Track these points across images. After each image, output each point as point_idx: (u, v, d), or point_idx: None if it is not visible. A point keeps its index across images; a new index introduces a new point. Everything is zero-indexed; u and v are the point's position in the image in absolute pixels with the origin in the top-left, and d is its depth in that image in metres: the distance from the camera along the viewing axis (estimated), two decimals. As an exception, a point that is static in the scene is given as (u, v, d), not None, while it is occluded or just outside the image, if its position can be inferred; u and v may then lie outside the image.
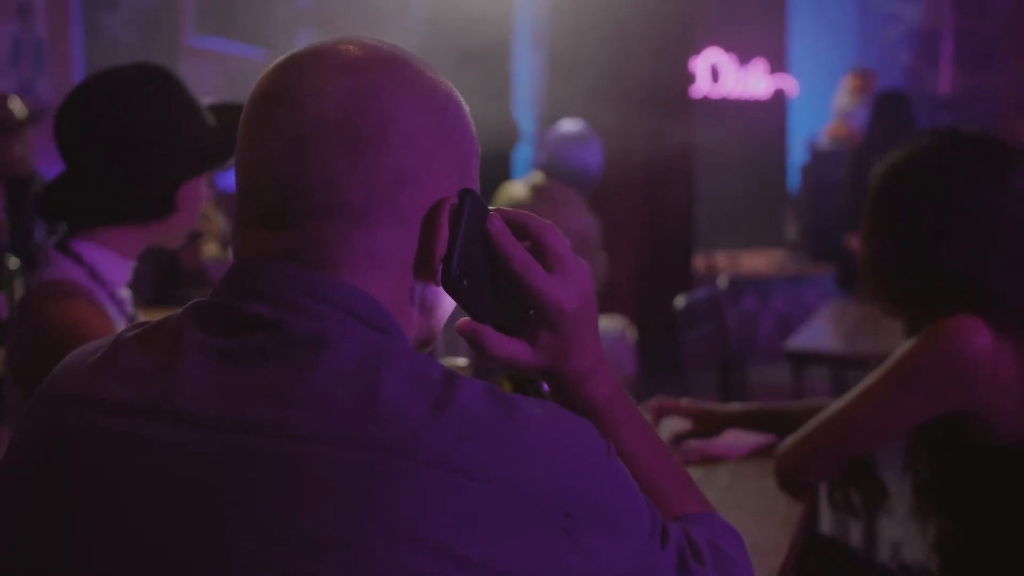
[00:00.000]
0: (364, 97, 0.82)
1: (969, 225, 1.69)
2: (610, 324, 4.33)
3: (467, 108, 0.90)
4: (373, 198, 0.82)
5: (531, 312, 0.89)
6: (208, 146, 1.67)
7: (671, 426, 1.99)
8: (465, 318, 0.89)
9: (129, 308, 1.69)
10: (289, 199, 0.82)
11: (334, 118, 0.81)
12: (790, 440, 1.77)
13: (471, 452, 0.75)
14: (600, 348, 0.93)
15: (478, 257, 0.87)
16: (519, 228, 0.89)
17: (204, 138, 1.66)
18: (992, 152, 1.74)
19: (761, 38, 8.09)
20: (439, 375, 0.78)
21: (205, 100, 1.74)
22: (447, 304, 0.91)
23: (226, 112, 1.73)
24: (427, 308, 0.88)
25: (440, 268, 0.84)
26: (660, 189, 6.23)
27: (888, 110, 5.64)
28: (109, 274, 1.65)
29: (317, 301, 0.81)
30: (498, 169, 5.83)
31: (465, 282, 0.85)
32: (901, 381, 1.68)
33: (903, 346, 1.71)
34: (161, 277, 4.10)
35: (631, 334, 4.49)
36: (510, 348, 0.89)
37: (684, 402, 2.01)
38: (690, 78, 6.81)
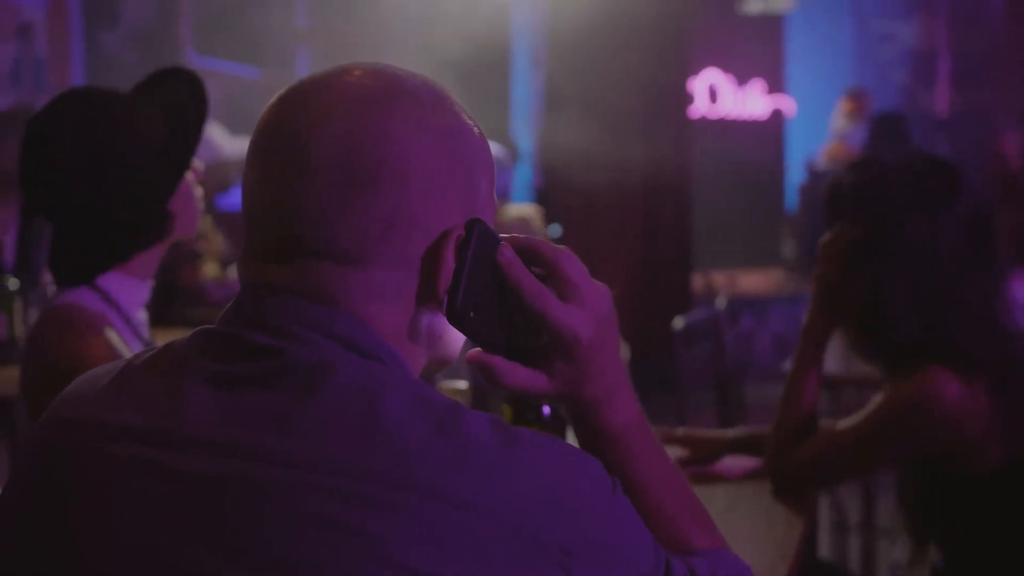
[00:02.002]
0: (356, 140, 0.81)
1: (914, 286, 1.71)
2: None
3: (476, 128, 0.87)
4: (368, 242, 0.81)
5: (545, 339, 0.87)
6: (172, 144, 1.60)
7: (669, 453, 1.99)
8: (475, 349, 0.87)
9: (145, 332, 1.66)
10: (286, 239, 0.82)
11: (327, 161, 0.81)
12: (784, 458, 1.78)
13: (470, 485, 0.74)
14: (621, 373, 0.91)
15: (488, 286, 0.85)
16: (532, 255, 0.87)
17: (165, 139, 1.59)
18: (923, 190, 1.74)
19: (759, 59, 8.12)
20: (441, 405, 0.78)
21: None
22: (457, 333, 0.88)
23: (159, 91, 1.64)
24: (434, 337, 0.87)
25: (445, 300, 0.83)
26: (658, 209, 6.24)
27: (885, 131, 5.67)
28: (125, 298, 1.61)
29: (318, 334, 0.81)
30: (496, 188, 5.84)
31: (472, 314, 0.83)
32: (878, 432, 1.73)
33: (878, 397, 1.75)
34: (158, 297, 4.08)
35: (625, 352, 4.48)
36: (523, 377, 0.87)
37: (680, 432, 2.01)
38: (688, 99, 6.83)
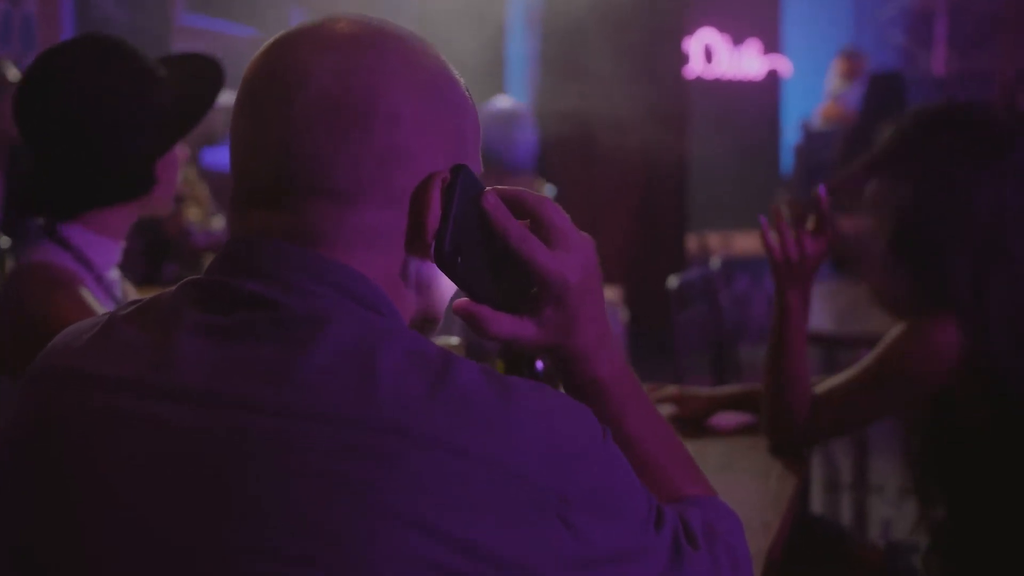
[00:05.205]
0: (349, 76, 0.81)
1: (971, 238, 1.69)
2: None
3: (463, 83, 0.88)
4: (361, 178, 0.81)
5: (533, 289, 0.87)
6: (177, 110, 1.63)
7: (661, 411, 1.99)
8: (463, 298, 0.87)
9: (118, 291, 1.67)
10: (278, 179, 0.82)
11: (319, 98, 0.81)
12: (790, 426, 1.78)
13: (466, 434, 0.74)
14: (606, 323, 0.91)
15: (474, 235, 0.85)
16: (515, 204, 0.87)
17: (171, 103, 1.62)
18: (990, 142, 1.73)
19: (755, 19, 8.07)
20: (436, 356, 0.78)
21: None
22: (445, 282, 0.89)
23: (180, 65, 1.68)
24: (423, 286, 0.87)
25: (433, 244, 0.83)
26: (653, 170, 6.23)
27: (881, 91, 5.65)
28: (97, 257, 1.62)
29: (311, 280, 0.80)
30: (491, 149, 5.82)
31: (459, 259, 0.83)
32: (884, 372, 1.73)
33: (886, 338, 1.74)
34: (149, 253, 4.09)
35: (624, 315, 4.48)
36: (511, 326, 0.87)
37: (671, 389, 2.02)
38: (684, 59, 6.79)
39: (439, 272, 0.86)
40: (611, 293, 4.51)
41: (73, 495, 0.79)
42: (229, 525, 0.74)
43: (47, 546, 0.80)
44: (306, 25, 0.86)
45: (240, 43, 6.27)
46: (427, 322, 0.91)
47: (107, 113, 1.57)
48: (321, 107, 0.81)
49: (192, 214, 4.26)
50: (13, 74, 3.91)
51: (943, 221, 1.70)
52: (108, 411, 0.80)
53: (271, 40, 0.86)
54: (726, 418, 1.96)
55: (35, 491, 0.81)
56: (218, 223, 4.41)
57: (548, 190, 3.99)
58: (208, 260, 4.52)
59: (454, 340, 1.62)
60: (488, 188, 0.87)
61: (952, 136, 1.73)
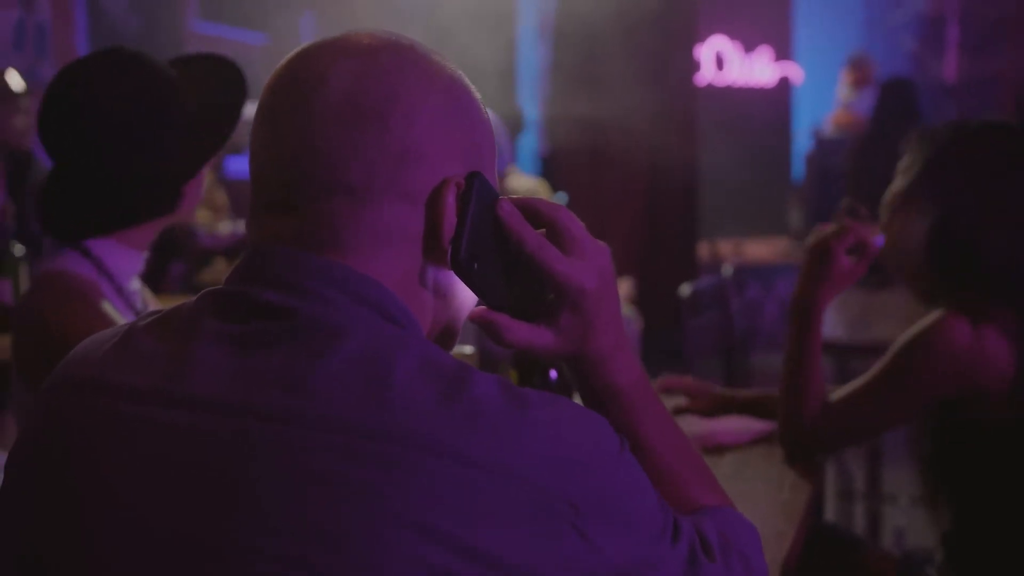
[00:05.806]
0: (366, 78, 0.82)
1: (1009, 216, 1.70)
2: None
3: (479, 96, 0.89)
4: (376, 175, 0.81)
5: (549, 297, 0.87)
6: (204, 130, 1.60)
7: (671, 402, 1.98)
8: (479, 307, 0.87)
9: (138, 301, 1.66)
10: (294, 182, 0.82)
11: (337, 100, 0.82)
12: (806, 434, 1.77)
13: (472, 440, 0.74)
14: (622, 329, 0.91)
15: (489, 242, 0.85)
16: (530, 213, 0.87)
17: (198, 124, 1.59)
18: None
19: (766, 25, 8.07)
20: (450, 367, 0.78)
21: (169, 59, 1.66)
22: (465, 292, 0.89)
23: (200, 71, 1.65)
24: (441, 293, 0.87)
25: (449, 250, 0.83)
26: (664, 177, 6.22)
27: (893, 97, 5.62)
28: (118, 268, 1.61)
29: (326, 287, 0.80)
30: (502, 156, 5.82)
31: (476, 266, 0.83)
32: (894, 377, 1.72)
33: (895, 346, 1.74)
34: (155, 251, 4.10)
35: (638, 323, 4.48)
36: (528, 334, 0.87)
37: (688, 379, 2.00)
38: (695, 66, 6.79)
39: (456, 281, 0.87)
40: (624, 286, 4.52)
41: (75, 497, 0.79)
42: (231, 527, 0.74)
43: (50, 549, 0.80)
44: (325, 38, 0.87)
45: (251, 50, 6.30)
46: (446, 336, 0.91)
47: (142, 136, 1.55)
48: (338, 109, 0.82)
49: (201, 216, 4.28)
50: (16, 83, 3.92)
51: (985, 210, 1.71)
52: (111, 414, 0.80)
53: (293, 52, 0.87)
54: (739, 427, 1.95)
55: (38, 494, 0.82)
56: (224, 228, 4.43)
57: (559, 197, 4.01)
58: (216, 259, 4.48)
59: (468, 349, 1.61)
60: (503, 197, 0.87)
61: (992, 136, 1.76)
